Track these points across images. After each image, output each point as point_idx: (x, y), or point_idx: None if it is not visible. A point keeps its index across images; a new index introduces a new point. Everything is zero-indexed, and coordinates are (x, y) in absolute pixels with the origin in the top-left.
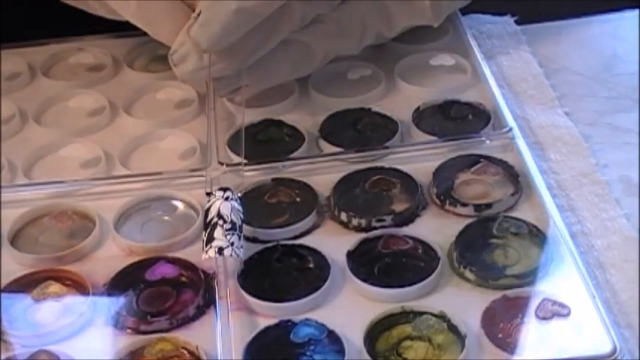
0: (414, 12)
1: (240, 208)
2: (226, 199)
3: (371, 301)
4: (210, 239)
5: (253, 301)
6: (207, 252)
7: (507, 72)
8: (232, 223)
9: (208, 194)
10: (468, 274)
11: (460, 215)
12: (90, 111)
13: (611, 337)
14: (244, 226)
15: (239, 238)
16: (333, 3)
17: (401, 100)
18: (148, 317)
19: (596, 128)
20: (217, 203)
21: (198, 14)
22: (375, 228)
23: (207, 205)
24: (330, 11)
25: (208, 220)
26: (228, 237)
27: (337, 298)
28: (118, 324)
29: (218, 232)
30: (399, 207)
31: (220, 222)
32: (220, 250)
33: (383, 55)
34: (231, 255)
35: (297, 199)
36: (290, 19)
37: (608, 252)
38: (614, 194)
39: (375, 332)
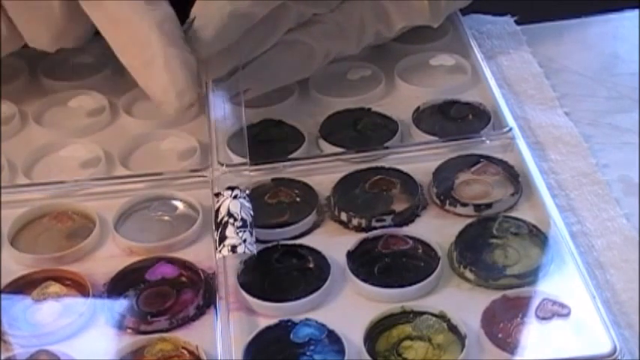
0: (412, 12)
1: (249, 205)
2: (235, 197)
3: (371, 301)
4: (223, 238)
5: (253, 301)
6: (220, 251)
7: (507, 72)
8: (243, 220)
9: (217, 195)
10: (468, 274)
11: (460, 215)
12: (90, 111)
13: (611, 337)
14: None
15: (251, 234)
16: (328, 3)
17: (401, 100)
18: (148, 317)
19: (596, 128)
20: (227, 202)
21: (193, 19)
22: (375, 228)
23: (216, 206)
24: (327, 11)
25: (219, 219)
26: (240, 234)
27: (337, 298)
28: (118, 324)
29: (230, 231)
30: (399, 207)
31: (231, 220)
32: (234, 248)
33: (383, 55)
34: (244, 252)
35: (297, 199)
36: (286, 18)
37: (608, 252)
38: (614, 194)
39: (375, 332)
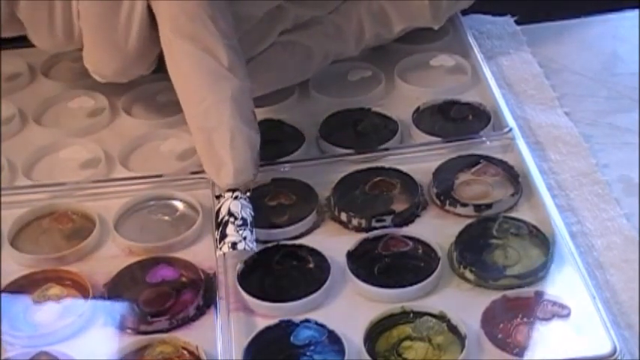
0: (412, 13)
1: (249, 205)
2: (235, 198)
3: (371, 301)
4: (223, 236)
5: (253, 301)
6: (220, 248)
7: (507, 72)
8: (243, 219)
9: (218, 197)
10: (468, 274)
11: (460, 215)
12: (90, 111)
13: (611, 338)
14: None
15: (251, 232)
16: (325, 4)
17: (401, 101)
18: (148, 317)
19: (596, 128)
20: (227, 203)
21: None
22: (375, 228)
23: (217, 207)
24: (324, 13)
25: (219, 219)
26: (240, 232)
27: (337, 298)
28: (118, 324)
29: (230, 229)
30: (399, 207)
31: (231, 219)
32: (234, 245)
33: (383, 56)
34: (244, 248)
35: (297, 200)
36: (282, 20)
37: (608, 252)
38: (614, 194)
39: (375, 332)
